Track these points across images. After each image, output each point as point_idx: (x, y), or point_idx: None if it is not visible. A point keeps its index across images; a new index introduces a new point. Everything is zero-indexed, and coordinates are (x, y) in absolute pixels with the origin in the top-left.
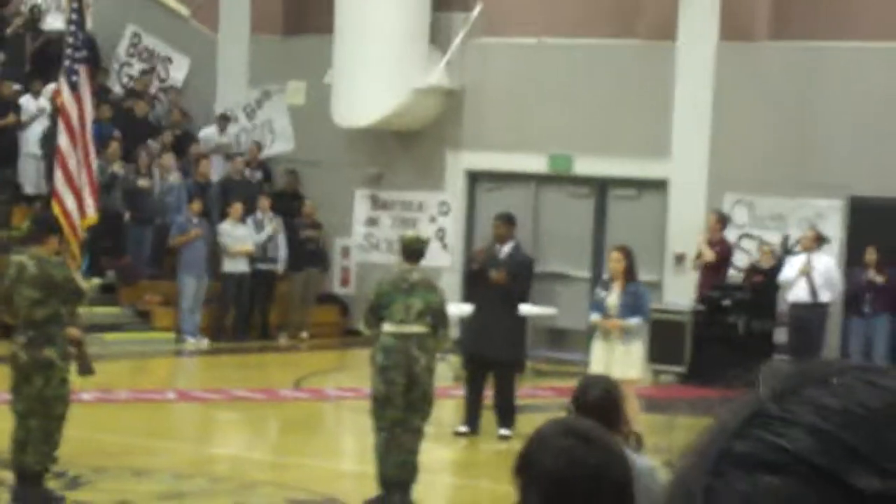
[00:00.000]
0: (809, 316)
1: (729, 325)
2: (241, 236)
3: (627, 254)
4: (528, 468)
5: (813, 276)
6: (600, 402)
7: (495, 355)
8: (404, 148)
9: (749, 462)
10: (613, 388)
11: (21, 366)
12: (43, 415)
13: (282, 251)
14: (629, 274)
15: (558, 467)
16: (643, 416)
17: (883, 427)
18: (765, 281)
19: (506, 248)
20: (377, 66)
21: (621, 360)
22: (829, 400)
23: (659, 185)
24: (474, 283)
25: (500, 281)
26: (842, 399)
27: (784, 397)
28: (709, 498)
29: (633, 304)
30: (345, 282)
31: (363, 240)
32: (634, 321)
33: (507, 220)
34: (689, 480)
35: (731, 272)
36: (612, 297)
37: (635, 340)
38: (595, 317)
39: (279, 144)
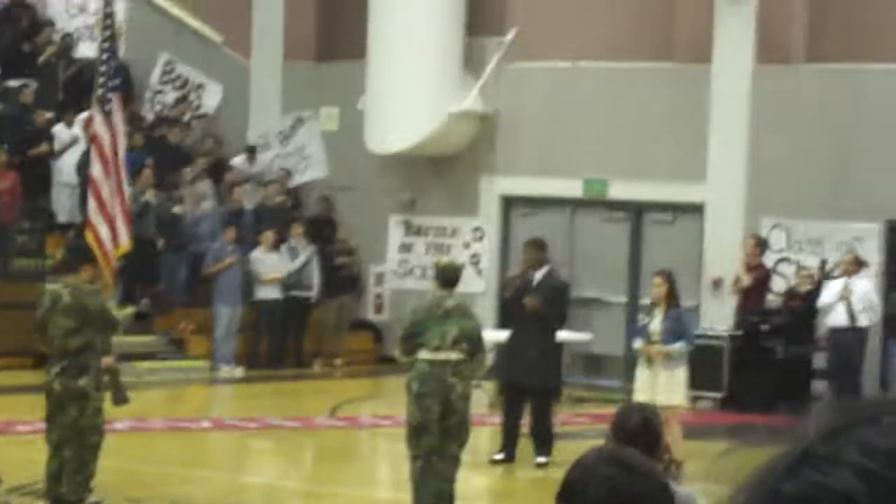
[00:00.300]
0: (848, 340)
1: (767, 350)
2: (272, 264)
3: (669, 278)
4: (571, 496)
5: (852, 300)
6: (640, 429)
7: (532, 382)
8: (438, 173)
9: (797, 502)
10: (653, 416)
11: (55, 395)
12: (77, 444)
13: (315, 278)
14: (671, 299)
15: (600, 496)
16: (684, 443)
17: None
18: (803, 305)
19: (538, 274)
20: (410, 91)
21: (665, 387)
22: (876, 440)
23: (695, 210)
24: (509, 310)
25: (533, 308)
26: (889, 439)
27: (833, 436)
28: None
29: (675, 330)
30: (378, 308)
31: (397, 266)
32: (677, 347)
33: (538, 245)
34: None
35: (769, 297)
36: (655, 323)
37: (679, 366)
38: (638, 343)
39: (312, 171)
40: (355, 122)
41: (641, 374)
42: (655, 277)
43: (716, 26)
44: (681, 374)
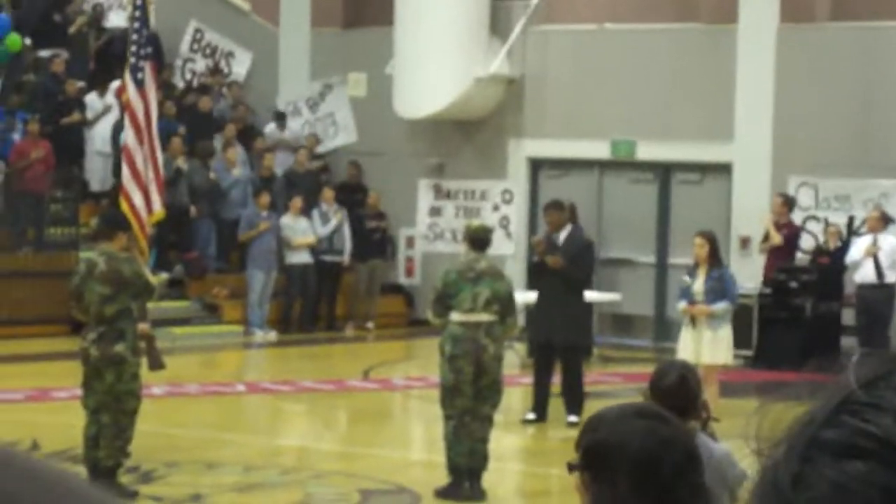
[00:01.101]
0: (876, 296)
1: (796, 308)
2: (302, 228)
3: (711, 238)
4: (608, 456)
5: (879, 256)
6: (676, 387)
7: (561, 341)
8: (466, 137)
9: (837, 449)
10: (689, 374)
11: (92, 362)
12: (115, 410)
13: (347, 242)
14: (713, 259)
15: (649, 448)
16: (720, 402)
17: None
18: (831, 262)
19: (562, 235)
20: (438, 56)
21: (710, 345)
22: None
23: (722, 169)
24: (537, 273)
25: (556, 266)
26: None
27: (873, 384)
28: (797, 485)
29: (718, 289)
30: (410, 272)
31: (427, 230)
32: (721, 306)
33: (557, 207)
34: (778, 468)
35: (798, 254)
36: (698, 284)
37: (723, 325)
38: (682, 304)
39: (342, 136)
40: (384, 87)
41: (685, 334)
42: (697, 238)
43: None
44: (725, 332)
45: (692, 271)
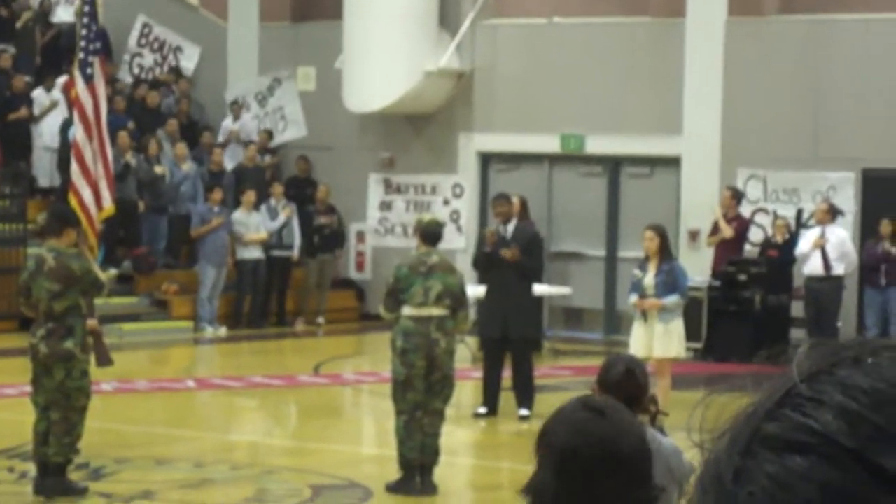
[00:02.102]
0: (824, 289)
1: (745, 301)
2: (254, 224)
3: (661, 232)
4: (543, 441)
5: (827, 248)
6: (623, 380)
7: (511, 334)
8: (416, 131)
9: (778, 443)
10: (636, 367)
11: (41, 358)
12: (64, 407)
13: (296, 237)
14: (663, 252)
15: (569, 438)
16: (672, 395)
17: None
18: (780, 255)
19: (510, 227)
20: (387, 49)
21: (661, 339)
22: (859, 380)
23: (671, 162)
24: (487, 265)
25: (513, 258)
26: (872, 379)
27: (816, 377)
28: (738, 479)
29: (669, 283)
30: (360, 266)
31: (378, 224)
32: (672, 299)
33: (505, 199)
34: (720, 462)
35: (747, 247)
36: (649, 277)
37: (675, 318)
38: (633, 298)
39: (291, 131)
40: (333, 81)
41: (637, 328)
42: (647, 231)
43: None
44: (677, 326)
45: (643, 265)
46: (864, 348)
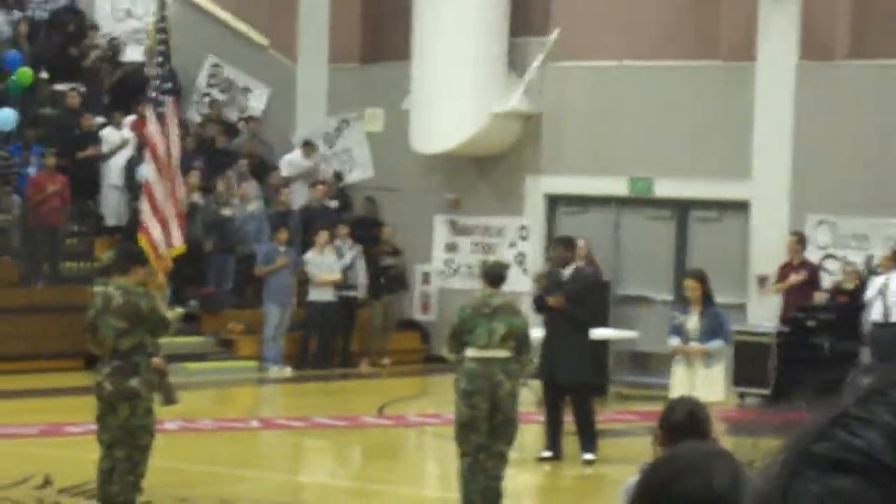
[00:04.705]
0: (884, 335)
1: (814, 347)
2: (326, 265)
3: (702, 280)
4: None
5: (887, 294)
6: (686, 423)
7: (565, 379)
8: (483, 173)
9: (825, 463)
10: (699, 409)
11: (106, 396)
12: (129, 445)
13: (361, 278)
14: (706, 299)
15: (723, 486)
16: (726, 440)
17: None
18: (849, 301)
19: (567, 272)
20: (455, 91)
21: (703, 383)
22: None
23: (740, 207)
24: (537, 309)
25: (558, 305)
26: None
27: (869, 398)
28: (786, 499)
29: (713, 327)
30: (425, 308)
31: (443, 265)
32: (716, 344)
33: (566, 243)
34: (769, 481)
35: (817, 293)
36: (692, 322)
37: (717, 363)
38: (675, 341)
39: (358, 172)
40: (400, 122)
41: (678, 371)
42: (687, 281)
43: (759, 23)
44: (719, 370)
45: (684, 307)
46: None
